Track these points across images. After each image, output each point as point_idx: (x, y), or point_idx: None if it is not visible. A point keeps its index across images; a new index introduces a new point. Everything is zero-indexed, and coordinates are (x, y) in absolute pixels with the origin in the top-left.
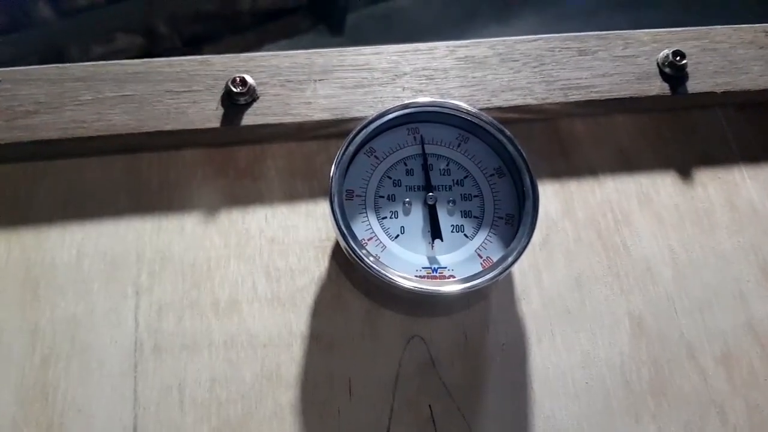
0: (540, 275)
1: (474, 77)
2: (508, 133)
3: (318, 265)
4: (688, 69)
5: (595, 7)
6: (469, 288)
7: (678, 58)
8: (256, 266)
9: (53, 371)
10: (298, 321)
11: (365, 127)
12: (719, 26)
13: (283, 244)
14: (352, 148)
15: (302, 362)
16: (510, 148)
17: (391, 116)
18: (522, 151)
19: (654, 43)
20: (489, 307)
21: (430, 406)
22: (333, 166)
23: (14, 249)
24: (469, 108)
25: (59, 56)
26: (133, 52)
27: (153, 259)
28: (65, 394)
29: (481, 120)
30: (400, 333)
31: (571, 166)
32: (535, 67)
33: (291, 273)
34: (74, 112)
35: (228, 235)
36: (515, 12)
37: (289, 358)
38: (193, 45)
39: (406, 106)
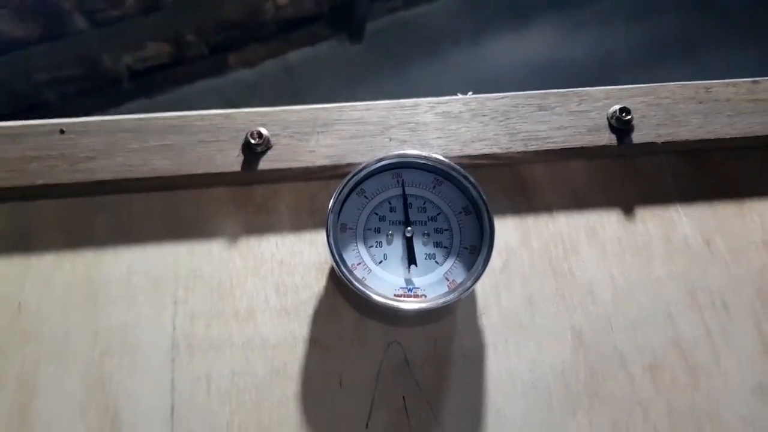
0: (499, 294)
1: (449, 129)
2: (473, 179)
3: (318, 283)
4: (635, 122)
5: (610, 15)
6: (426, 308)
7: (624, 113)
8: (268, 283)
9: (109, 365)
10: (301, 328)
11: (358, 172)
12: (666, 83)
13: (290, 265)
14: (346, 190)
15: (303, 361)
16: (474, 192)
17: (379, 164)
18: (483, 195)
19: (606, 99)
20: (455, 319)
21: (404, 398)
22: (330, 205)
23: (78, 267)
24: (443, 159)
25: (94, 63)
26: (163, 59)
27: (187, 276)
28: (118, 383)
29: (452, 169)
30: (381, 339)
31: (530, 204)
32: (501, 121)
33: (296, 289)
34: (124, 158)
35: (246, 258)
36: (530, 20)
37: (293, 357)
38: (218, 52)
39: (392, 158)
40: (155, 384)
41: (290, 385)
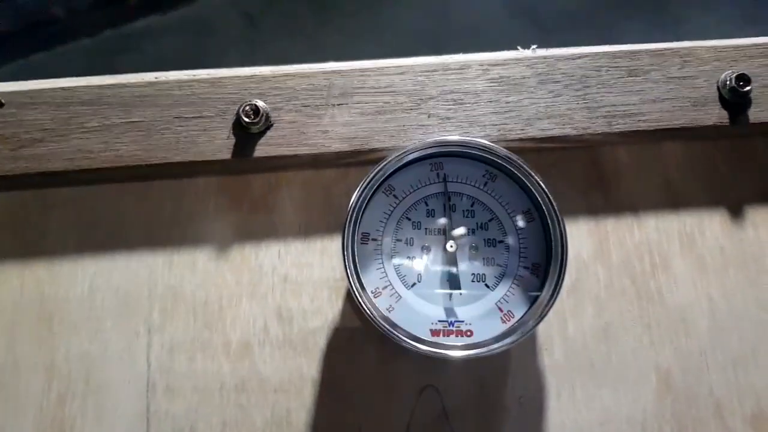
0: (565, 324)
1: (508, 102)
2: (538, 177)
3: (332, 307)
4: (753, 94)
5: None
6: (479, 354)
7: (741, 83)
8: (269, 306)
9: (69, 409)
10: (310, 366)
11: (386, 164)
12: None
13: (297, 283)
14: (370, 188)
15: (312, 409)
16: (540, 192)
17: (414, 154)
18: (551, 197)
19: (716, 61)
20: (508, 357)
21: None
22: (349, 207)
23: (28, 282)
24: (497, 147)
25: None
26: None
27: (165, 295)
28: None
29: (510, 160)
30: (413, 382)
31: (610, 200)
32: (577, 90)
33: (304, 314)
34: (81, 141)
35: (240, 272)
36: None
37: (299, 404)
38: None
39: (430, 146)
40: None
41: None
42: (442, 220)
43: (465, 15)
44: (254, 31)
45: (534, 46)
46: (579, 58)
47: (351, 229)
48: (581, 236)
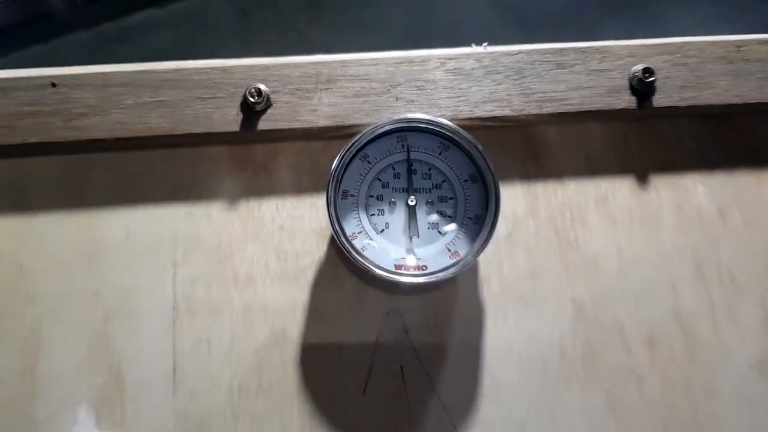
0: (501, 264)
1: (460, 89)
2: (480, 147)
3: (318, 249)
4: (657, 83)
5: None
6: (428, 279)
7: (647, 75)
8: (269, 248)
9: (111, 326)
10: (301, 294)
11: (361, 136)
12: (694, 38)
13: (291, 230)
14: (348, 155)
15: (303, 328)
16: (481, 159)
17: (383, 128)
18: (490, 163)
19: (629, 57)
20: (456, 289)
21: (401, 366)
22: (331, 170)
23: (77, 227)
24: (450, 123)
25: None
26: None
27: (186, 239)
28: (121, 344)
29: (459, 134)
30: (381, 307)
31: (540, 170)
32: (515, 80)
33: (296, 255)
34: (119, 115)
35: (246, 221)
36: None
37: (293, 323)
38: None
39: (397, 121)
40: (157, 346)
41: (289, 351)
42: (405, 181)
43: (450, 13)
44: (247, 26)
45: (485, 44)
46: (517, 54)
47: (333, 187)
48: (517, 196)
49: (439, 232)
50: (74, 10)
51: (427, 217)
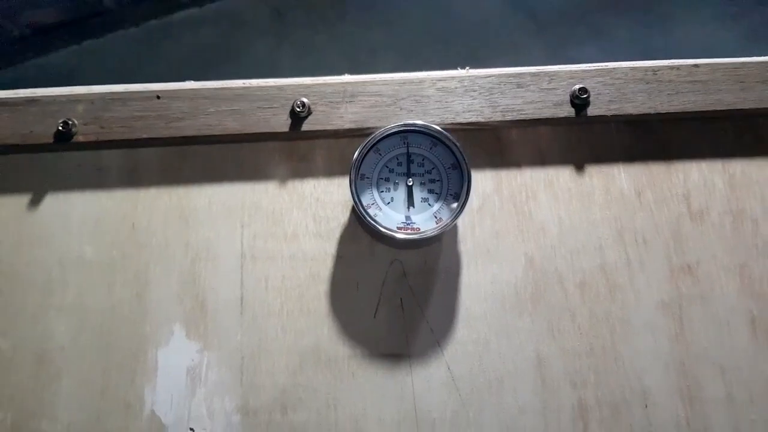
0: (474, 228)
1: (446, 102)
2: (458, 144)
3: (344, 215)
4: (591, 98)
5: None
6: (420, 235)
7: (582, 92)
8: (308, 214)
9: (197, 267)
10: (331, 247)
11: (375, 135)
12: (620, 65)
13: (324, 202)
14: (365, 149)
15: (332, 270)
16: (458, 153)
17: (391, 130)
18: (465, 155)
19: (570, 79)
20: (441, 245)
21: (401, 299)
22: (353, 159)
23: (174, 198)
24: (437, 127)
25: None
26: None
27: (250, 207)
28: (204, 280)
29: (444, 135)
30: (387, 257)
31: (504, 160)
32: (486, 96)
33: (328, 219)
34: (205, 119)
35: (292, 195)
36: None
37: (324, 267)
38: None
39: (400, 125)
40: (230, 282)
41: (322, 286)
42: (405, 168)
43: (468, 11)
44: (281, 24)
45: (467, 67)
46: (488, 77)
47: (355, 171)
48: (486, 180)
49: (429, 204)
50: (123, 9)
51: (420, 194)
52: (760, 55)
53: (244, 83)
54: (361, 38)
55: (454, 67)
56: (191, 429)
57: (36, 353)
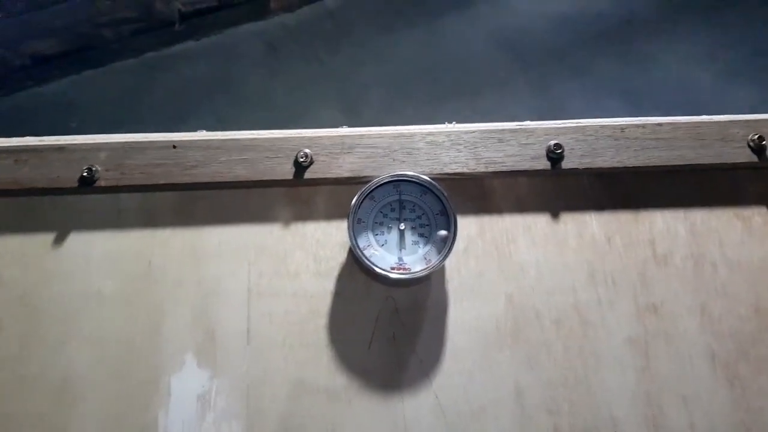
0: (460, 268)
1: (435, 154)
2: (445, 193)
3: (341, 255)
4: (565, 153)
5: None
6: (410, 275)
7: (557, 148)
8: (309, 254)
9: (208, 302)
10: (330, 284)
11: (371, 185)
12: (592, 123)
13: (324, 243)
14: (362, 196)
15: (330, 306)
16: (445, 201)
17: (384, 180)
18: (451, 203)
19: (546, 135)
20: (430, 284)
21: (393, 332)
22: (351, 205)
23: (184, 238)
24: (427, 178)
25: (147, 6)
26: (210, 2)
27: (257, 248)
28: (215, 314)
29: (432, 185)
30: (382, 294)
31: (487, 207)
32: (471, 149)
33: (327, 259)
34: (216, 167)
35: (295, 236)
36: None
37: (324, 303)
38: None
39: (393, 176)
40: (238, 316)
41: (322, 320)
42: (398, 213)
43: (455, 48)
44: (274, 57)
45: (454, 122)
46: (473, 132)
47: (352, 216)
48: (470, 224)
49: (419, 247)
50: (121, 40)
51: (411, 237)
52: (736, 92)
53: (251, 134)
54: (352, 73)
55: (441, 102)
56: None
57: (59, 380)
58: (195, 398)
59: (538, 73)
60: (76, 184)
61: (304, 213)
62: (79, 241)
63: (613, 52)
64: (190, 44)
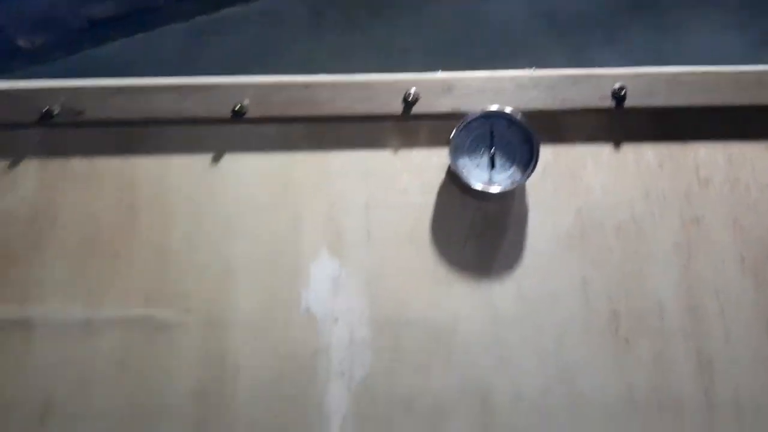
0: (537, 187)
1: (519, 93)
2: (528, 125)
3: (441, 176)
4: (627, 94)
5: None
6: (498, 192)
7: (620, 89)
8: (414, 174)
9: (335, 210)
10: (431, 198)
11: (468, 118)
12: (651, 69)
13: (427, 166)
14: (460, 128)
15: (433, 214)
16: (529, 132)
17: (478, 115)
18: (534, 134)
19: (612, 79)
20: (514, 198)
21: (484, 234)
22: (452, 135)
23: (317, 161)
24: (512, 112)
25: None
26: None
27: (371, 170)
28: (341, 219)
29: (517, 119)
30: (474, 205)
31: (561, 137)
32: (549, 90)
33: (429, 178)
34: (340, 103)
35: (403, 160)
36: None
37: (428, 212)
38: None
39: (485, 112)
40: (359, 221)
41: (425, 225)
42: (488, 141)
43: (493, 15)
44: (319, 23)
45: (534, 67)
46: (551, 76)
47: (453, 143)
48: (547, 151)
49: (506, 169)
50: (173, 5)
51: (499, 161)
52: (767, 61)
53: (368, 77)
54: (393, 39)
55: (479, 68)
56: (336, 319)
57: (222, 267)
58: (329, 280)
59: (572, 39)
60: (229, 116)
61: (410, 141)
62: (232, 161)
63: (647, 21)
64: (239, 8)
